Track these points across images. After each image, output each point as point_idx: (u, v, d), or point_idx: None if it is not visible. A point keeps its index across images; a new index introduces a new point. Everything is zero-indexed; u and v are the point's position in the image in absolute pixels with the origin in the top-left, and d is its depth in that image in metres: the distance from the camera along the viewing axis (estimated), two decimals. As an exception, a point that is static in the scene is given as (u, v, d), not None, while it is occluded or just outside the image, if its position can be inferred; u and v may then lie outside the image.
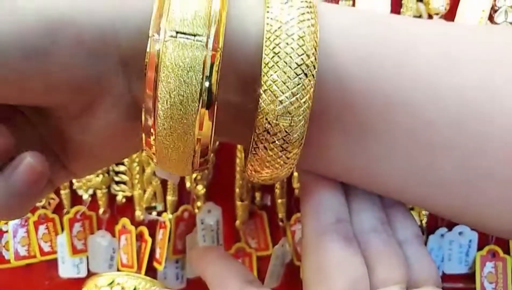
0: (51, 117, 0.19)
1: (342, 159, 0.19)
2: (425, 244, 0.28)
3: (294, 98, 0.16)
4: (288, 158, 0.17)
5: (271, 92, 0.16)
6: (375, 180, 0.20)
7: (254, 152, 0.17)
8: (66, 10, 0.16)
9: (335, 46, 0.17)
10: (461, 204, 0.19)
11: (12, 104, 0.18)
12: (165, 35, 0.15)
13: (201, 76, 0.15)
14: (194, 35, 0.15)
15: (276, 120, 0.16)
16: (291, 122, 0.16)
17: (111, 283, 0.27)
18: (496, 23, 0.26)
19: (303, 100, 0.16)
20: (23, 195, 0.17)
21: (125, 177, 0.29)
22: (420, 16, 0.26)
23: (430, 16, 0.26)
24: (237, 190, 0.29)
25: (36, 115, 0.19)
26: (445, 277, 0.29)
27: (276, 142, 0.17)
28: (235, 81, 0.17)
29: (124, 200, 0.29)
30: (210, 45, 0.15)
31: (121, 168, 0.29)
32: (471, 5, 0.25)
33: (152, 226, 0.29)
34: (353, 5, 0.25)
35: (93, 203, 0.30)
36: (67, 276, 0.30)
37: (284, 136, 0.17)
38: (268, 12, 0.16)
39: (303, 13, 0.16)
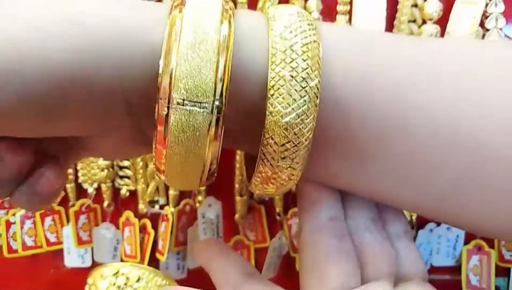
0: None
1: (342, 177, 0.20)
2: (415, 238, 0.30)
3: (299, 120, 0.17)
4: (292, 174, 0.18)
5: (277, 113, 0.17)
6: (374, 194, 0.21)
7: (260, 169, 0.18)
8: (75, 72, 0.16)
9: (334, 69, 0.18)
10: (458, 212, 0.20)
11: None
12: (172, 102, 0.16)
13: (209, 120, 0.16)
14: (200, 102, 0.16)
15: (282, 140, 0.17)
16: (296, 142, 0.17)
17: (116, 273, 0.28)
18: (486, 29, 0.27)
19: (307, 120, 0.17)
20: (42, 203, 0.20)
21: (129, 172, 0.30)
22: (414, 21, 0.27)
23: (424, 22, 0.27)
24: (236, 185, 0.30)
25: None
26: (433, 269, 0.30)
27: (282, 160, 0.17)
28: (241, 103, 0.18)
29: (127, 193, 0.30)
30: (215, 111, 0.16)
31: (125, 163, 0.30)
32: (463, 12, 0.26)
33: (155, 219, 0.30)
34: (350, 11, 0.26)
35: (98, 196, 0.31)
36: (72, 266, 0.31)
37: (290, 155, 0.17)
38: (271, 35, 0.17)
39: (307, 36, 0.17)
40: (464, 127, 0.18)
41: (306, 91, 0.17)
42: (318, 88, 0.17)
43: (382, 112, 0.18)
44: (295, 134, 0.17)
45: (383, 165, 0.19)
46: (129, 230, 0.31)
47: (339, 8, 0.26)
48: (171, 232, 0.30)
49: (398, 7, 0.27)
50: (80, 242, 0.31)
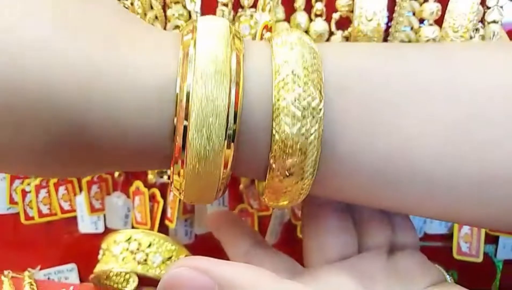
0: None
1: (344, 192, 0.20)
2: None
3: (304, 138, 0.18)
4: (302, 189, 0.19)
5: (283, 133, 0.18)
6: (374, 204, 0.21)
7: (269, 186, 0.19)
8: (82, 123, 0.17)
9: (333, 89, 0.18)
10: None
11: None
12: (188, 129, 0.17)
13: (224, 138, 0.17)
14: (214, 129, 0.17)
15: (289, 158, 0.18)
16: (303, 158, 0.18)
17: (128, 239, 0.30)
18: (487, 7, 0.27)
19: (313, 137, 0.18)
20: None
21: (138, 144, 0.31)
22: (414, 14, 0.27)
23: (421, 20, 0.27)
24: (241, 157, 0.31)
25: None
26: (427, 237, 0.32)
27: (290, 177, 0.18)
28: (249, 135, 0.18)
29: (137, 166, 0.32)
30: (229, 137, 0.17)
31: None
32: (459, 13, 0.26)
33: (164, 189, 0.32)
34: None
35: (109, 167, 0.32)
36: (86, 232, 0.33)
37: (298, 170, 0.18)
38: (275, 63, 0.18)
39: (307, 60, 0.18)
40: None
41: (309, 111, 0.17)
42: (320, 109, 0.18)
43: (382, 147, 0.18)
44: (301, 149, 0.18)
45: (379, 189, 0.19)
46: (139, 199, 0.32)
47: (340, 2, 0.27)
48: (179, 201, 0.32)
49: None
50: (92, 210, 0.33)
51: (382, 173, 0.19)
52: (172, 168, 0.19)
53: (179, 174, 0.18)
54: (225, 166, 0.18)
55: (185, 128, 0.17)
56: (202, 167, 0.18)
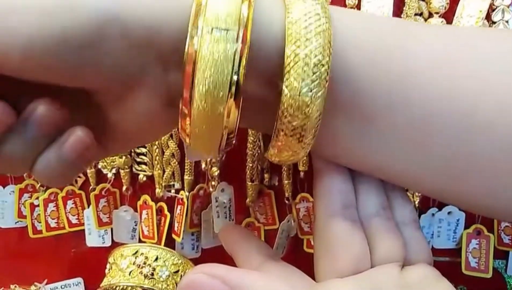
0: (94, 101, 0.21)
1: (348, 149, 0.22)
2: (417, 222, 0.31)
3: (312, 93, 0.18)
4: (305, 143, 0.20)
5: (292, 87, 0.18)
6: (377, 166, 0.22)
7: (276, 138, 0.20)
8: (117, 11, 0.18)
9: (346, 48, 0.20)
10: (455, 188, 0.22)
11: (64, 86, 0.20)
12: (202, 31, 0.18)
13: (231, 68, 0.18)
14: (227, 30, 0.18)
15: (296, 111, 0.19)
16: (309, 113, 0.19)
17: (135, 253, 0.30)
18: (493, 22, 0.28)
19: (319, 94, 0.19)
20: (72, 163, 0.20)
21: (146, 158, 0.32)
22: (421, 14, 0.28)
23: (430, 15, 0.28)
24: (248, 171, 0.31)
25: (83, 98, 0.21)
26: (434, 251, 0.31)
27: (296, 130, 0.19)
28: (259, 76, 0.20)
29: (145, 178, 0.32)
30: (240, 39, 0.18)
31: (142, 150, 0.32)
32: (469, 5, 0.27)
33: (171, 203, 0.32)
34: (358, 4, 0.27)
35: (117, 181, 0.32)
36: (93, 245, 0.33)
37: (303, 125, 0.19)
38: (288, 17, 0.19)
39: (320, 18, 0.19)
40: (464, 106, 0.20)
41: (318, 68, 0.18)
42: (328, 65, 0.19)
43: (388, 92, 0.20)
44: (307, 105, 0.19)
45: (384, 135, 0.21)
46: (146, 212, 0.32)
47: (348, 2, 0.27)
48: (186, 215, 0.32)
49: (405, 0, 0.28)
50: (100, 223, 0.33)
51: (396, 113, 0.20)
52: (181, 106, 0.19)
53: (187, 115, 0.19)
54: (228, 114, 0.18)
55: (193, 71, 0.18)
56: (208, 104, 0.18)
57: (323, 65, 0.18)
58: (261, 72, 0.20)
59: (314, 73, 0.18)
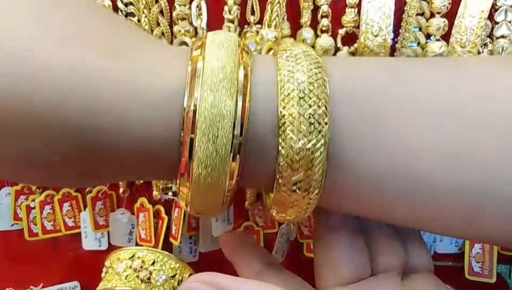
0: None
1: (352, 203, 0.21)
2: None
3: (310, 153, 0.18)
4: (309, 203, 0.19)
5: (290, 148, 0.18)
6: (380, 218, 0.21)
7: (277, 197, 0.19)
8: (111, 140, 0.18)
9: (339, 101, 0.19)
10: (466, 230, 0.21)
11: None
12: (195, 134, 0.17)
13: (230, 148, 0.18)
14: (221, 136, 0.17)
15: (296, 172, 0.18)
16: (310, 173, 0.18)
17: (132, 257, 0.29)
18: (496, 22, 0.27)
19: (319, 152, 0.18)
20: None
21: (143, 160, 0.31)
22: (422, 14, 0.27)
23: (432, 15, 0.27)
24: (246, 174, 0.31)
25: None
26: (437, 256, 0.31)
27: (297, 191, 0.18)
28: (254, 146, 0.19)
29: (142, 181, 0.32)
30: (235, 145, 0.18)
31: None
32: (472, 5, 0.26)
33: (169, 205, 0.32)
34: (359, 4, 0.26)
35: (114, 183, 0.32)
36: (89, 249, 0.33)
37: (305, 185, 0.18)
38: (281, 76, 0.18)
39: (312, 75, 0.18)
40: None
41: (315, 126, 0.18)
42: (326, 122, 0.18)
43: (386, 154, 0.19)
44: (309, 163, 0.18)
45: (384, 202, 0.20)
46: (143, 215, 0.32)
47: (348, 1, 0.27)
48: (184, 218, 0.31)
49: (406, 0, 0.27)
50: (97, 226, 0.32)
51: (387, 184, 0.19)
52: (178, 180, 0.18)
53: (185, 185, 0.18)
54: (231, 177, 0.18)
55: (192, 140, 0.17)
56: (208, 177, 0.18)
57: (319, 123, 0.18)
58: (255, 137, 0.18)
59: (310, 133, 0.18)
